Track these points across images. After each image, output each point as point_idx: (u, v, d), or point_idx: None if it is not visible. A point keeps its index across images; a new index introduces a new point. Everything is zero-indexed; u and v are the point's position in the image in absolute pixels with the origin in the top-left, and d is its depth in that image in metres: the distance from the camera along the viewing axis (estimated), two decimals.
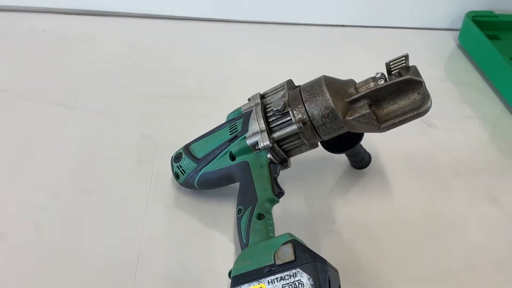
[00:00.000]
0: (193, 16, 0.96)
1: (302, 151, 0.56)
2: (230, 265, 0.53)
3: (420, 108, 0.50)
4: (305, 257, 0.42)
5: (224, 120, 0.69)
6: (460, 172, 0.68)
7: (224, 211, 0.59)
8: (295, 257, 0.43)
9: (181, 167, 0.58)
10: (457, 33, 0.98)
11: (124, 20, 0.94)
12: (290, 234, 0.46)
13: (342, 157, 0.67)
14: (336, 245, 0.57)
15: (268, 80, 0.82)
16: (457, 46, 0.98)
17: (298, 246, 0.44)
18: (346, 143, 0.58)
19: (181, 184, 0.59)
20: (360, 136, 0.57)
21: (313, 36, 0.98)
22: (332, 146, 0.57)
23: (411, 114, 0.50)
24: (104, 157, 0.65)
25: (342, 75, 0.86)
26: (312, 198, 0.63)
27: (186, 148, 0.59)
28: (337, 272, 0.45)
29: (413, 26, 1.03)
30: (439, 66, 0.94)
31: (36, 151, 0.64)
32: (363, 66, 0.88)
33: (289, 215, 0.61)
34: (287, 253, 0.43)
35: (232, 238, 0.56)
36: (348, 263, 0.55)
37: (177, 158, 0.59)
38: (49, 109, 0.71)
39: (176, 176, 0.59)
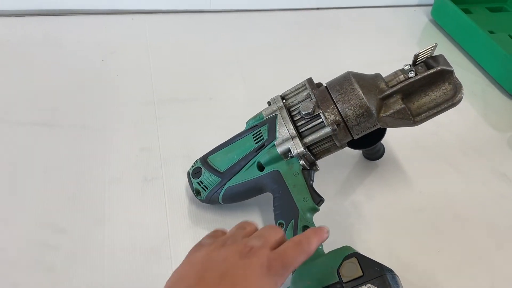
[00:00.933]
0: (164, 9, 0.89)
1: (331, 153, 0.53)
2: None
3: (453, 99, 0.49)
4: (374, 270, 0.41)
5: (230, 125, 0.65)
6: (466, 151, 0.70)
7: None
8: (363, 272, 0.41)
9: (202, 183, 0.53)
10: (428, 8, 0.99)
11: (86, 18, 0.85)
12: (349, 246, 0.44)
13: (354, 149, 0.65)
14: (369, 242, 0.56)
15: (256, 72, 0.79)
16: (430, 22, 0.99)
17: (362, 259, 0.42)
18: (371, 139, 0.56)
19: (203, 201, 0.55)
20: (383, 131, 0.56)
21: (290, 21, 0.95)
22: (357, 143, 0.55)
23: (445, 105, 0.49)
24: (105, 179, 0.58)
25: (325, 59, 0.86)
26: (331, 195, 0.61)
27: (204, 161, 0.54)
28: (399, 278, 0.43)
29: (384, 4, 1.02)
30: (415, 44, 0.94)
31: (27, 182, 0.56)
32: (342, 48, 0.89)
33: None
34: (353, 269, 0.41)
35: None
36: (386, 259, 0.54)
37: (195, 173, 0.54)
38: (28, 130, 0.63)
39: (197, 192, 0.54)
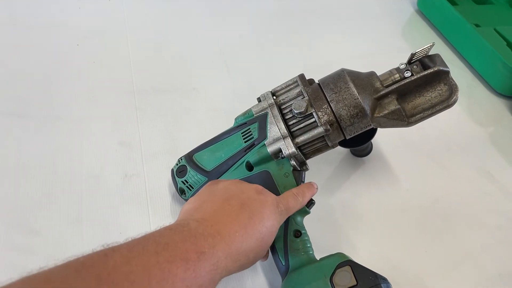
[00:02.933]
0: None
1: (321, 152, 0.52)
2: None
3: (448, 100, 0.48)
4: (368, 280, 0.40)
5: (213, 117, 0.63)
6: (451, 147, 0.69)
7: None
8: (357, 281, 0.40)
9: (187, 182, 0.51)
10: None
11: None
12: (342, 253, 0.43)
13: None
14: (356, 242, 0.55)
15: (240, 61, 0.77)
16: (415, 12, 0.97)
17: (356, 267, 0.41)
18: (362, 138, 0.54)
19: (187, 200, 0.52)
20: (374, 130, 0.54)
21: (274, 7, 0.91)
22: (347, 142, 0.54)
23: (441, 107, 0.48)
24: (82, 175, 0.55)
25: (309, 48, 0.83)
26: (317, 192, 0.59)
27: (189, 158, 0.52)
28: (392, 286, 0.42)
29: None
30: (399, 35, 0.93)
31: None
32: (326, 37, 0.87)
33: None
34: (346, 278, 0.40)
35: None
36: (373, 260, 0.53)
37: (180, 172, 0.51)
38: None
39: (181, 191, 0.52)
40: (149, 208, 0.53)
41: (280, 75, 0.58)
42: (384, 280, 0.40)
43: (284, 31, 0.86)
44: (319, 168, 0.62)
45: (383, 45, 0.87)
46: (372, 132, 0.54)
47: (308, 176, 0.58)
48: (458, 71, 0.84)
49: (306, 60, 0.80)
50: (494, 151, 0.70)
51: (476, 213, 0.61)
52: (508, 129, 0.74)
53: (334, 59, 0.82)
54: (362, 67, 0.53)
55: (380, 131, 0.66)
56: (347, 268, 0.40)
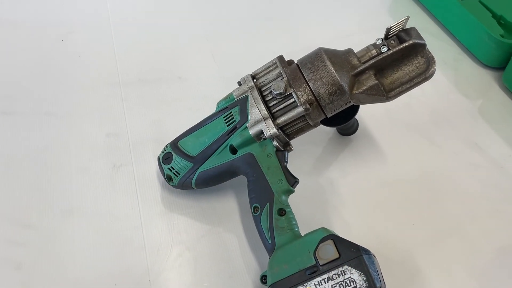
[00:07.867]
0: None
1: (304, 132, 0.52)
2: (251, 267, 0.50)
3: (426, 73, 0.48)
4: (350, 252, 0.40)
5: (201, 105, 0.63)
6: (438, 122, 0.69)
7: (226, 206, 0.55)
8: (339, 254, 0.41)
9: (173, 169, 0.51)
10: None
11: None
12: (324, 228, 0.43)
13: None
14: (346, 219, 0.56)
15: (225, 47, 0.77)
16: None
17: (338, 241, 0.42)
18: (345, 115, 0.55)
19: (175, 187, 0.53)
20: (357, 107, 0.55)
21: None
22: (331, 120, 0.54)
23: (418, 80, 0.48)
24: (72, 168, 0.56)
25: (295, 29, 0.83)
26: (305, 172, 0.60)
27: (174, 145, 0.52)
28: (375, 257, 0.43)
29: None
30: (386, 11, 0.92)
31: None
32: (311, 17, 0.87)
33: None
34: (329, 251, 0.41)
35: (245, 236, 0.52)
36: (363, 235, 0.54)
37: (166, 159, 0.52)
38: None
39: (169, 178, 0.53)
40: (138, 196, 0.54)
41: (267, 60, 0.59)
42: (366, 251, 0.41)
43: (269, 15, 0.86)
44: (307, 148, 0.63)
45: (370, 23, 0.87)
46: (355, 109, 0.55)
47: (296, 157, 0.59)
48: (444, 45, 0.84)
49: (292, 43, 0.80)
50: (482, 123, 0.71)
51: (464, 185, 0.61)
52: (496, 101, 0.74)
53: (321, 40, 0.81)
54: (349, 47, 0.53)
55: (365, 109, 0.67)
56: (330, 242, 0.41)
